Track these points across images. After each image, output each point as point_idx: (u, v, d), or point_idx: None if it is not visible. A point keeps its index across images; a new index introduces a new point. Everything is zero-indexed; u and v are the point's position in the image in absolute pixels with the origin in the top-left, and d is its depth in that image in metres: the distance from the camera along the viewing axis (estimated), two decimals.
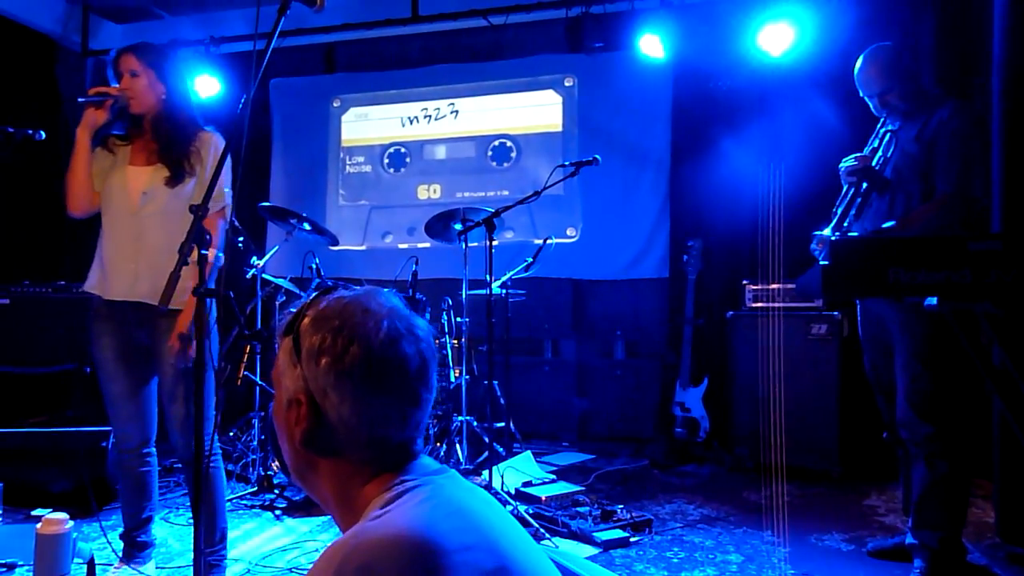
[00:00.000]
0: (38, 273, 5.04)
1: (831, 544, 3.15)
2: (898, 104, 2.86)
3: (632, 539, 3.15)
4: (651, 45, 4.82)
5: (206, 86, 5.40)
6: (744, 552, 3.05)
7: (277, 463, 3.71)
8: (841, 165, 2.93)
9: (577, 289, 5.48)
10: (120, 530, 2.62)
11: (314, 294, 1.01)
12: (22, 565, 2.75)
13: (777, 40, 4.51)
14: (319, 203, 5.95)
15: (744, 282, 4.51)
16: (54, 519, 2.22)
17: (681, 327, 4.63)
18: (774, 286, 4.35)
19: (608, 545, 3.07)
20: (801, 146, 4.68)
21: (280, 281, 4.18)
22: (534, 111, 5.63)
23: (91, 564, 2.41)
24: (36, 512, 3.34)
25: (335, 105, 6.07)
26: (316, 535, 3.22)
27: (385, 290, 1.00)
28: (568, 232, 5.46)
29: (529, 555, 0.93)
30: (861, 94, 2.97)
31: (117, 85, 2.49)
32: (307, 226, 4.08)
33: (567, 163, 3.77)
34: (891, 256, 1.80)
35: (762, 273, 4.48)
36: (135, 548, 2.59)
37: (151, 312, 2.39)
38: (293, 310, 1.00)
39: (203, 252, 1.85)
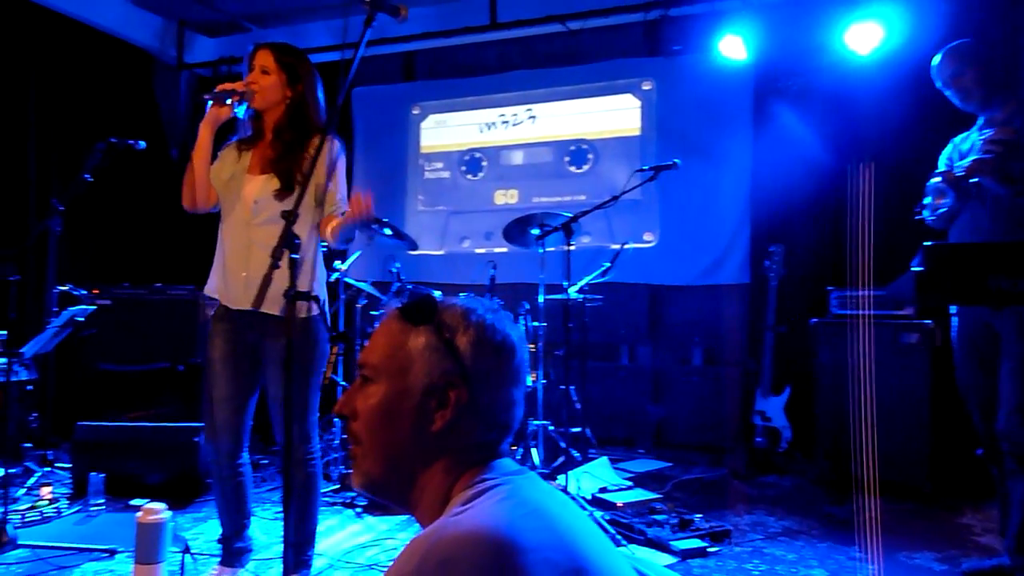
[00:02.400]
0: (137, 276, 5.32)
1: (922, 563, 3.01)
2: (972, 89, 2.76)
3: (710, 549, 3.10)
4: (732, 46, 4.74)
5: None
6: (828, 568, 2.96)
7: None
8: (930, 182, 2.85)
9: (654, 294, 5.43)
10: (218, 532, 2.67)
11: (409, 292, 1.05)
12: (122, 551, 2.90)
13: (865, 39, 4.36)
14: (398, 208, 6.08)
15: (829, 288, 4.38)
16: (153, 509, 2.33)
17: (762, 334, 4.51)
18: (862, 292, 4.20)
19: (686, 554, 3.02)
20: (891, 147, 4.52)
21: (362, 285, 4.29)
22: (612, 115, 5.60)
23: (186, 551, 2.53)
24: (134, 502, 3.53)
25: (414, 112, 6.19)
26: (395, 533, 3.29)
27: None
28: (645, 237, 5.41)
29: (608, 559, 0.93)
30: (938, 86, 2.88)
31: (244, 79, 2.49)
32: (388, 231, 4.17)
33: (646, 167, 3.75)
34: (991, 262, 1.72)
35: (849, 279, 4.33)
36: (233, 554, 2.62)
37: (262, 317, 2.38)
38: (395, 303, 1.03)
39: (293, 256, 1.91)
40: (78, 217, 5.44)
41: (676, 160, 3.78)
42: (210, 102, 2.43)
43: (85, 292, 4.54)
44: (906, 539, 3.26)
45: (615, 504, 3.53)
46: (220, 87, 2.44)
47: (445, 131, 6.09)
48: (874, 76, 4.50)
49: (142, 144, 3.41)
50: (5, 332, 3.18)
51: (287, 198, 2.41)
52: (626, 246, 4.26)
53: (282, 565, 2.52)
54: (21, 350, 3.54)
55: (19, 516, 3.29)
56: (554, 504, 0.93)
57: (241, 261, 2.46)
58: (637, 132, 5.54)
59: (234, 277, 2.47)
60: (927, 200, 2.89)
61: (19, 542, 2.89)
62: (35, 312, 4.81)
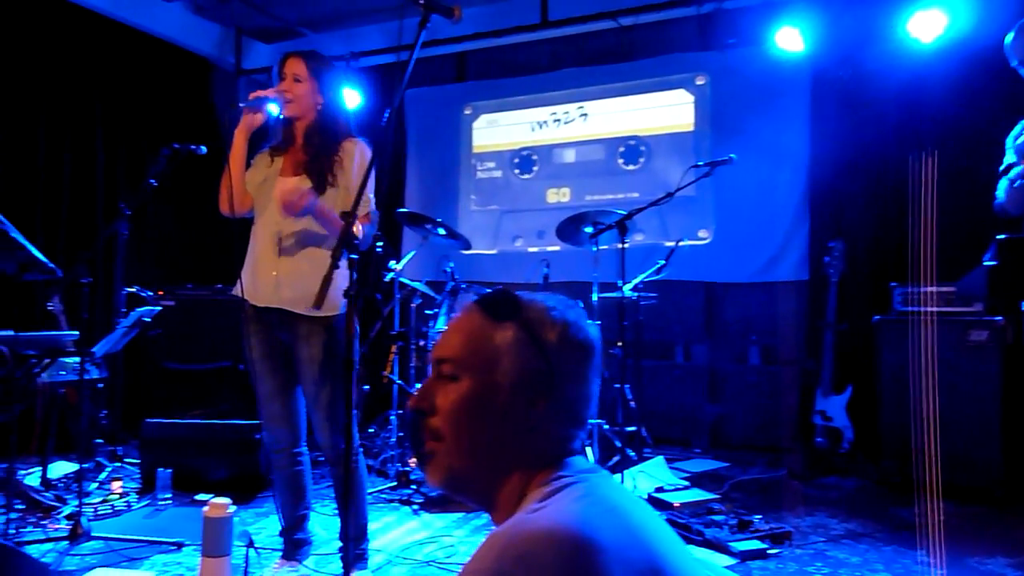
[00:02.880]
0: (199, 277, 5.47)
1: (994, 569, 2.91)
2: None
3: (770, 551, 3.04)
4: (789, 38, 4.65)
5: (347, 99, 5.67)
6: (895, 572, 2.87)
7: (416, 458, 3.85)
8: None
9: (710, 292, 5.36)
10: (279, 526, 2.73)
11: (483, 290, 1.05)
12: (189, 544, 2.99)
13: (928, 26, 4.23)
14: (451, 208, 6.12)
15: (892, 284, 4.25)
16: (219, 503, 2.40)
17: (822, 332, 4.41)
18: (927, 288, 4.07)
19: (745, 556, 2.97)
20: (954, 137, 4.37)
21: (416, 284, 4.33)
22: (665, 111, 5.54)
23: (250, 545, 2.59)
24: (199, 496, 3.63)
25: (466, 112, 6.23)
26: (451, 530, 3.31)
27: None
28: (700, 234, 5.34)
29: (682, 559, 0.92)
30: (1013, 64, 2.76)
31: (276, 87, 2.55)
32: (441, 231, 4.20)
33: (701, 163, 3.70)
34: None
35: (912, 275, 4.20)
36: (293, 546, 2.68)
37: (291, 316, 2.49)
38: (472, 297, 1.04)
39: (353, 257, 1.94)
40: (143, 221, 5.64)
41: (732, 155, 3.73)
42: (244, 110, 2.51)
43: (151, 293, 4.69)
44: (976, 543, 3.15)
45: (672, 504, 3.50)
46: (254, 94, 2.50)
47: (497, 130, 6.11)
48: (937, 64, 4.37)
49: (203, 149, 3.49)
50: (77, 332, 3.30)
51: (320, 199, 2.47)
52: (681, 243, 4.21)
53: (341, 561, 2.59)
54: (92, 349, 3.67)
55: (92, 509, 3.42)
56: (629, 503, 0.92)
57: (271, 261, 2.53)
58: (690, 128, 5.47)
59: (264, 276, 2.54)
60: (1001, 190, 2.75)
61: (92, 534, 2.99)
62: (104, 313, 4.99)
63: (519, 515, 0.88)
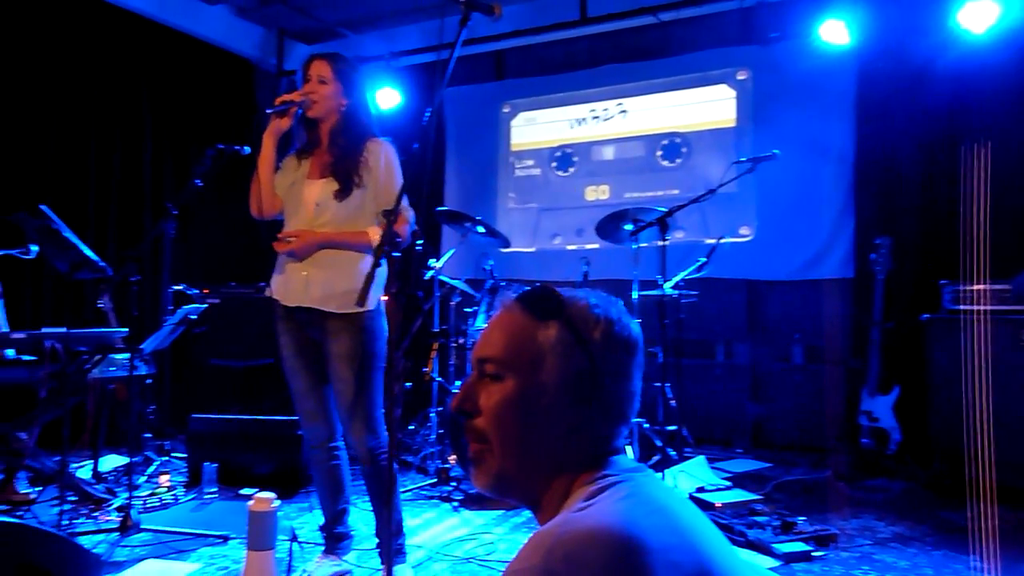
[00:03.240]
0: (242, 276, 5.56)
1: None
2: None
3: (815, 554, 2.98)
4: (834, 31, 4.56)
5: (387, 98, 5.73)
6: None
7: (460, 460, 3.86)
8: None
9: (752, 290, 5.28)
10: (321, 521, 2.77)
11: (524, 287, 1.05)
12: (235, 538, 3.04)
13: (980, 17, 4.11)
14: (490, 206, 6.13)
15: (942, 282, 4.14)
16: (264, 498, 2.43)
17: (868, 330, 4.31)
18: (978, 287, 3.95)
19: (789, 558, 2.92)
20: (1008, 130, 4.24)
21: (456, 282, 4.35)
22: (705, 107, 5.48)
23: (294, 539, 2.63)
24: (244, 491, 3.69)
25: (505, 111, 6.23)
26: (491, 528, 3.32)
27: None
28: (742, 231, 5.27)
29: (730, 561, 0.91)
30: None
31: (300, 89, 2.57)
32: (481, 229, 4.21)
33: (744, 159, 3.65)
34: None
35: (963, 272, 4.08)
36: (334, 540, 2.72)
37: (321, 315, 2.53)
38: (512, 295, 1.02)
39: (395, 255, 1.95)
40: (189, 220, 5.76)
41: (776, 151, 3.67)
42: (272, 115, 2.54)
43: (196, 291, 4.78)
44: None
45: (713, 504, 3.46)
46: (280, 99, 2.53)
47: (535, 128, 6.10)
48: (989, 56, 4.24)
49: (246, 149, 3.54)
50: (127, 329, 3.38)
51: (347, 200, 2.53)
52: (722, 240, 4.15)
53: (380, 556, 2.61)
54: (141, 346, 3.75)
55: (141, 502, 3.50)
56: (675, 503, 0.91)
57: (304, 263, 2.56)
58: (732, 123, 5.40)
59: (295, 276, 2.56)
60: None
61: (142, 526, 3.07)
62: (152, 310, 5.10)
63: (565, 514, 0.88)
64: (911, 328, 4.28)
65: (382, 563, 2.61)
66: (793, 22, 5.01)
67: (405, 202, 2.58)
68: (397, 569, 2.58)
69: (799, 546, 2.99)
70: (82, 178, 5.18)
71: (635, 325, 1.01)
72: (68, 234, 3.43)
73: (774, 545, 2.97)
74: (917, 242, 4.61)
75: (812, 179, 5.04)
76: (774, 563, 2.90)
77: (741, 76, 5.38)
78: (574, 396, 0.95)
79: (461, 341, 4.26)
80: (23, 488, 3.56)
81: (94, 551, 2.40)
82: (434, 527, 3.33)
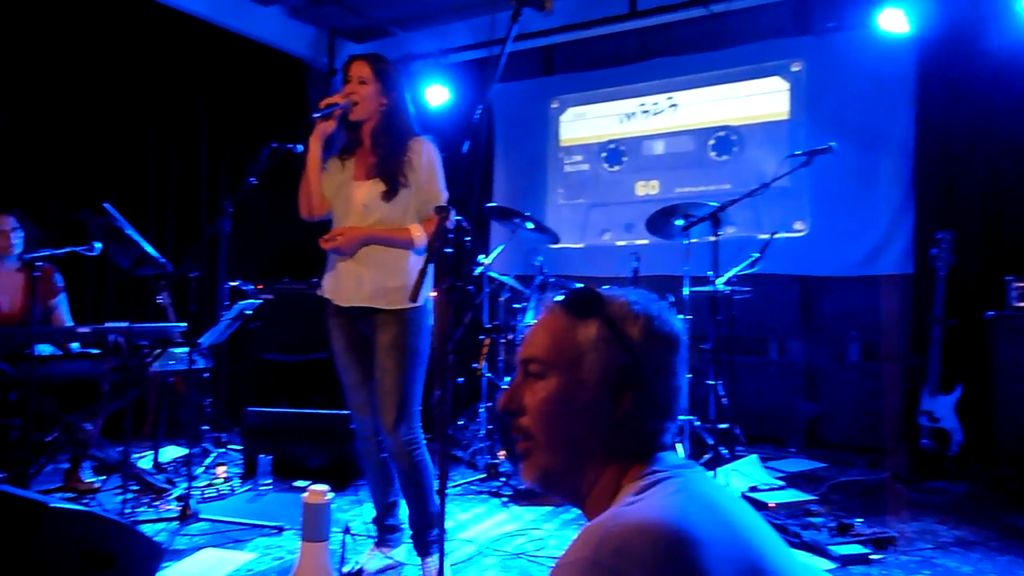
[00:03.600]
0: (295, 272, 5.66)
1: None
2: None
3: (873, 556, 2.91)
4: (892, 19, 4.43)
5: (437, 95, 5.77)
6: None
7: (509, 458, 3.87)
8: None
9: (806, 286, 5.17)
10: (372, 514, 2.81)
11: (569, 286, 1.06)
12: (289, 529, 3.10)
13: None
14: (539, 202, 6.12)
15: (1007, 278, 3.99)
16: (318, 490, 2.47)
17: (929, 328, 4.18)
18: None
19: (846, 561, 2.85)
20: None
21: (505, 278, 4.35)
22: (758, 100, 5.37)
23: (347, 532, 2.67)
24: (297, 483, 3.77)
25: (553, 106, 6.21)
26: (541, 524, 3.32)
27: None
28: (796, 226, 5.16)
29: (783, 560, 0.89)
30: None
31: (341, 90, 2.61)
32: (530, 225, 4.21)
33: (799, 152, 3.57)
34: None
35: None
36: (385, 532, 2.76)
37: (372, 310, 2.58)
38: (558, 296, 1.03)
39: (447, 251, 1.96)
40: (244, 217, 5.88)
41: (832, 144, 3.58)
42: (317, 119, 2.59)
43: (251, 287, 4.88)
44: None
45: (767, 504, 3.39)
46: (324, 102, 2.56)
47: (584, 123, 6.07)
48: None
49: (299, 148, 3.60)
50: (185, 324, 3.47)
51: (394, 199, 2.57)
52: (776, 236, 4.07)
53: (415, 547, 2.63)
54: (199, 340, 3.85)
55: (199, 492, 3.59)
56: (726, 500, 0.90)
57: (355, 262, 2.60)
58: (786, 116, 5.29)
59: (348, 277, 2.61)
60: None
61: (200, 516, 3.15)
62: (209, 305, 5.23)
63: (615, 508, 0.88)
64: (974, 326, 4.14)
65: (418, 554, 2.65)
66: (850, 11, 4.88)
67: (445, 199, 2.59)
68: (431, 561, 2.59)
69: (856, 548, 2.92)
70: (142, 177, 5.33)
71: (677, 321, 1.01)
72: (130, 231, 3.54)
73: (830, 547, 2.90)
74: (981, 237, 4.46)
75: (869, 172, 4.91)
76: (830, 565, 2.83)
77: (795, 67, 5.27)
78: (614, 392, 0.96)
79: (510, 337, 4.26)
80: (88, 477, 3.69)
81: (155, 539, 2.47)
82: (484, 522, 3.35)
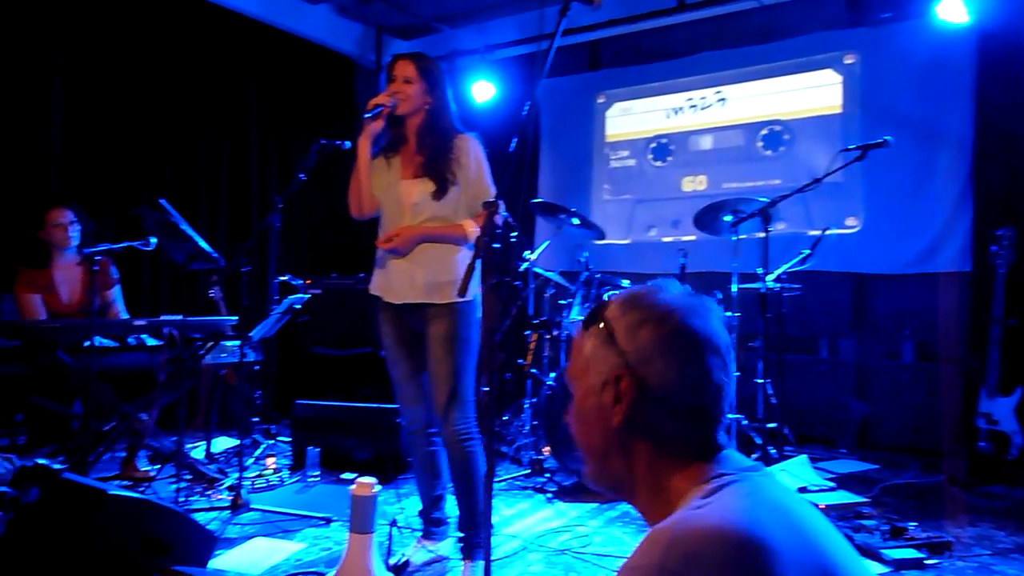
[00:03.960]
0: (342, 267, 5.73)
1: None
2: None
3: (927, 561, 2.83)
4: (951, 9, 4.30)
5: (483, 91, 5.78)
6: None
7: (549, 449, 3.87)
8: None
9: (858, 283, 5.05)
10: (420, 507, 2.84)
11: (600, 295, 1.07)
12: (336, 520, 3.15)
13: None
14: (584, 198, 6.09)
15: None
16: (365, 483, 2.50)
17: (987, 328, 4.04)
18: None
19: (900, 565, 2.78)
20: None
21: (550, 274, 4.34)
22: (809, 93, 5.26)
23: (393, 524, 2.70)
24: (345, 475, 3.82)
25: (599, 101, 6.17)
26: (586, 520, 3.31)
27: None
28: (848, 222, 5.04)
29: (853, 565, 0.88)
30: None
31: (386, 90, 2.65)
32: (576, 220, 4.19)
33: (852, 147, 3.49)
34: None
35: None
36: (431, 525, 2.79)
37: (423, 305, 2.62)
38: (588, 307, 1.04)
39: (495, 246, 1.96)
40: (293, 213, 5.98)
41: (887, 138, 3.49)
42: (367, 118, 2.60)
43: (300, 282, 4.96)
44: None
45: (817, 506, 3.32)
46: (372, 102, 2.59)
47: (631, 118, 6.02)
48: None
49: (347, 144, 3.64)
50: (236, 317, 3.54)
51: (444, 198, 2.59)
52: (828, 232, 3.98)
53: (460, 547, 2.63)
54: (250, 334, 3.93)
55: (250, 482, 3.66)
56: (796, 504, 0.88)
57: (407, 260, 2.63)
58: (838, 110, 5.17)
59: (400, 274, 2.64)
60: None
61: (251, 505, 3.21)
62: (259, 300, 5.33)
63: (682, 512, 0.86)
64: None
65: (462, 558, 2.63)
66: (906, 1, 4.75)
67: (493, 194, 2.61)
68: (474, 566, 2.57)
69: (911, 553, 2.84)
70: (195, 173, 5.45)
71: (687, 308, 0.96)
72: (184, 227, 3.62)
73: (883, 551, 2.83)
74: None
75: (925, 167, 4.77)
76: (883, 569, 2.77)
77: (848, 60, 5.14)
78: (615, 394, 0.96)
79: (555, 333, 4.25)
80: (143, 466, 3.80)
81: (208, 527, 2.53)
82: (528, 518, 3.35)
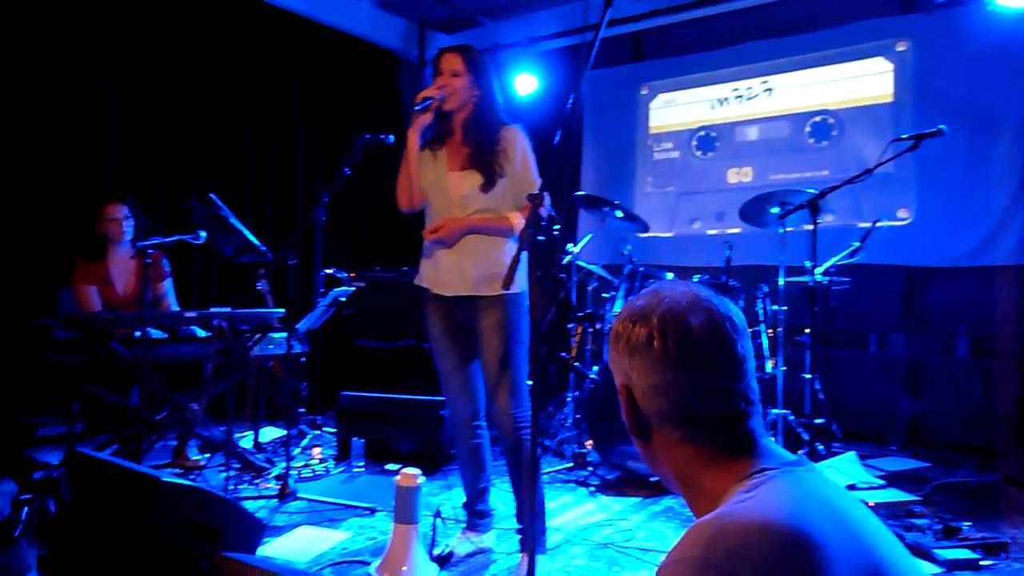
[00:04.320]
0: (385, 260, 5.78)
1: None
2: None
3: (983, 562, 2.75)
4: None
5: (525, 84, 5.77)
6: None
7: (592, 443, 3.86)
8: None
9: (910, 277, 4.92)
10: (463, 499, 2.86)
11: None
12: (381, 510, 3.19)
13: None
14: (627, 191, 6.04)
15: None
16: (409, 474, 2.52)
17: None
18: None
19: (953, 566, 2.71)
20: None
21: (593, 268, 4.32)
22: (859, 82, 5.14)
23: (437, 515, 2.72)
24: (389, 466, 3.85)
25: (643, 93, 6.11)
26: (629, 514, 3.29)
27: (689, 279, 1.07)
28: (899, 214, 4.91)
29: (902, 562, 0.85)
30: None
31: (433, 83, 2.64)
32: (619, 213, 4.16)
33: (905, 136, 3.39)
34: None
35: None
36: (475, 516, 2.81)
37: (472, 298, 2.63)
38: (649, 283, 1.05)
39: (539, 239, 1.96)
40: (337, 206, 6.04)
41: (942, 127, 3.39)
42: (417, 111, 2.60)
43: (345, 275, 5.02)
44: None
45: (866, 504, 3.26)
46: (421, 95, 2.60)
47: (675, 110, 5.95)
48: None
49: (391, 138, 3.66)
50: (283, 310, 3.60)
51: (491, 190, 2.59)
52: (878, 224, 3.89)
53: (520, 544, 2.64)
54: (296, 326, 3.99)
55: (297, 472, 3.73)
56: (843, 500, 0.87)
57: (455, 252, 2.64)
58: (889, 99, 5.03)
59: (449, 267, 2.64)
60: None
61: (298, 495, 3.27)
62: (305, 292, 5.41)
63: (726, 506, 0.85)
64: None
65: (521, 549, 2.63)
66: None
67: (538, 187, 2.58)
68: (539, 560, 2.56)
69: (964, 553, 2.77)
70: (242, 168, 5.55)
71: (675, 307, 0.97)
72: (233, 220, 3.69)
73: (935, 551, 2.76)
74: None
75: (982, 157, 4.62)
76: (936, 570, 2.70)
77: (900, 47, 5.00)
78: (628, 395, 1.00)
79: (599, 326, 4.24)
80: (194, 455, 3.89)
81: (256, 515, 2.58)
82: (571, 511, 3.35)
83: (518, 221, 2.60)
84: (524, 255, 2.18)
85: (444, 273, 2.66)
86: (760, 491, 0.85)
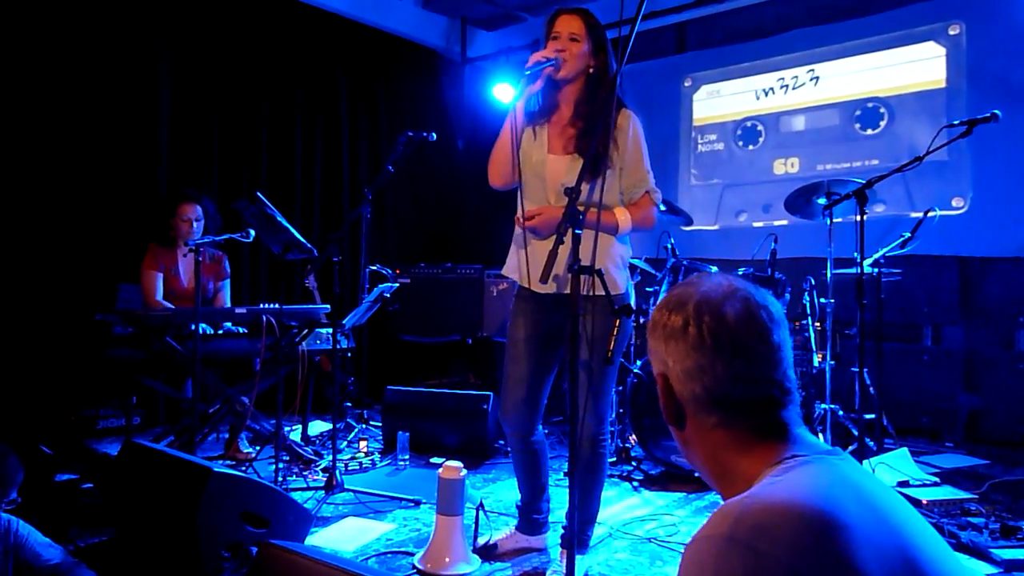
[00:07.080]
0: (431, 256, 5.84)
1: None
2: None
3: None
4: None
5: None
6: None
7: (636, 438, 3.84)
8: None
9: (965, 268, 4.78)
10: (505, 494, 2.82)
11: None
12: (425, 503, 3.22)
13: None
14: (671, 184, 5.99)
15: None
16: (453, 467, 2.55)
17: None
18: None
19: (1010, 566, 2.62)
20: None
21: (635, 261, 4.29)
22: (909, 68, 5.00)
23: (480, 508, 2.74)
24: (433, 459, 3.90)
25: (686, 84, 6.05)
26: (673, 509, 3.27)
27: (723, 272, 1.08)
28: (954, 203, 4.77)
29: (937, 550, 0.84)
30: None
31: (545, 47, 2.31)
32: (662, 206, 4.12)
33: (958, 122, 3.29)
34: None
35: None
36: (528, 523, 2.69)
37: (568, 298, 2.17)
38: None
39: (577, 232, 1.94)
40: (382, 203, 6.12)
41: (996, 112, 3.27)
42: (527, 79, 2.27)
43: (390, 271, 5.09)
44: None
45: (919, 501, 3.18)
46: (534, 58, 2.25)
47: (719, 101, 5.87)
48: None
49: (433, 136, 3.69)
50: (329, 306, 3.66)
51: (597, 180, 2.22)
52: (931, 213, 3.78)
53: (560, 539, 2.62)
54: (343, 321, 4.06)
55: (343, 464, 3.80)
56: (877, 487, 0.86)
57: (549, 244, 2.26)
58: (942, 84, 4.89)
59: (540, 262, 2.20)
60: None
61: (344, 486, 3.33)
62: (351, 288, 5.50)
63: (755, 487, 0.85)
64: None
65: (562, 545, 2.55)
66: None
67: (652, 181, 2.39)
68: (578, 558, 2.45)
69: (1022, 553, 2.68)
70: (289, 167, 5.66)
71: (702, 297, 0.98)
72: (281, 219, 3.77)
73: (992, 550, 2.68)
74: None
75: None
76: (992, 570, 2.62)
77: (953, 31, 4.85)
78: (665, 386, 1.01)
79: (642, 320, 4.21)
80: (245, 447, 3.99)
81: (304, 506, 2.64)
82: (614, 505, 3.34)
83: (624, 218, 2.32)
84: (626, 252, 1.99)
85: (535, 267, 2.27)
86: (790, 475, 0.85)
